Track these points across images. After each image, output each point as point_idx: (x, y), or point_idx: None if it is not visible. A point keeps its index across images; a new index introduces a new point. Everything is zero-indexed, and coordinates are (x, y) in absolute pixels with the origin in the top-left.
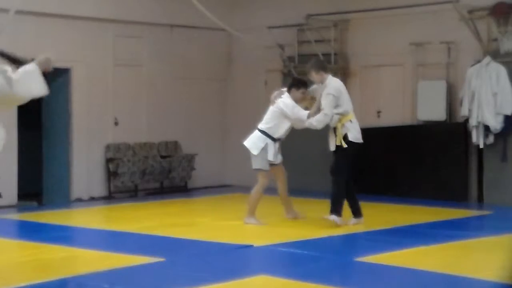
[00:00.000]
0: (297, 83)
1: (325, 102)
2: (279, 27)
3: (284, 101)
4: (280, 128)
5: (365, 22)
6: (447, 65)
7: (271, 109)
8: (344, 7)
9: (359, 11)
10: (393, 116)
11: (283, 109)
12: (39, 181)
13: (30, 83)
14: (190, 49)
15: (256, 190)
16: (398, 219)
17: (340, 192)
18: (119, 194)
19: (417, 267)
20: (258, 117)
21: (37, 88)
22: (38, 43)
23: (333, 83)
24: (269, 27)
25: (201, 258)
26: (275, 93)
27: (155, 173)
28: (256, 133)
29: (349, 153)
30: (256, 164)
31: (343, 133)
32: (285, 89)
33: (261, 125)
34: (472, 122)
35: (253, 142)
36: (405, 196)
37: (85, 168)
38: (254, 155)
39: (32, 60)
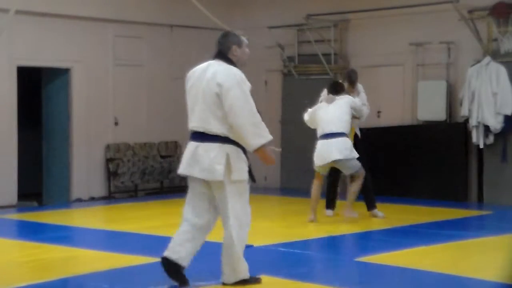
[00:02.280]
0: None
1: (366, 98)
2: (279, 27)
3: (352, 99)
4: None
5: (365, 22)
6: (447, 65)
7: (338, 109)
8: (344, 7)
9: (359, 11)
10: (393, 116)
11: (356, 107)
12: (39, 181)
13: None
14: (190, 49)
15: (358, 184)
16: (398, 219)
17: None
18: (119, 194)
19: (417, 267)
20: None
21: None
22: (38, 43)
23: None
24: (269, 27)
25: (201, 258)
26: (326, 97)
27: (155, 173)
28: (343, 140)
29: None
30: (356, 166)
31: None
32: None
33: (339, 129)
34: (472, 122)
35: (350, 149)
36: (405, 196)
37: (85, 168)
38: (353, 159)
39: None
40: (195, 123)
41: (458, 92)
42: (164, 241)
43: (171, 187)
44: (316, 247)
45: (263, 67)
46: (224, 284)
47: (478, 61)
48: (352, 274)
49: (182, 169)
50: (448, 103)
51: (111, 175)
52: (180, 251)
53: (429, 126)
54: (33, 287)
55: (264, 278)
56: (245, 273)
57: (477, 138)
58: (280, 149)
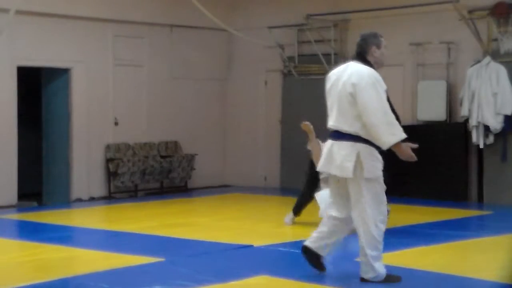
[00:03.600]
0: None
1: None
2: (279, 27)
3: None
4: None
5: (365, 22)
6: (447, 65)
7: None
8: (344, 7)
9: (359, 11)
10: None
11: None
12: (39, 181)
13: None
14: (190, 49)
15: None
16: (398, 219)
17: None
18: (119, 194)
19: (417, 267)
20: (258, 117)
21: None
22: (38, 43)
23: None
24: (269, 27)
25: (201, 258)
26: None
27: (155, 173)
28: None
29: None
30: None
31: None
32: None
33: None
34: (472, 122)
35: None
36: (405, 196)
37: (85, 168)
38: None
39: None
40: (332, 122)
41: (458, 92)
42: (164, 241)
43: (171, 187)
44: None
45: (263, 67)
46: (362, 278)
47: (478, 61)
48: (352, 274)
49: (320, 166)
50: (448, 103)
51: (111, 175)
52: (320, 242)
53: (429, 126)
54: (33, 287)
55: (264, 278)
56: (375, 273)
57: (477, 138)
58: (416, 145)
